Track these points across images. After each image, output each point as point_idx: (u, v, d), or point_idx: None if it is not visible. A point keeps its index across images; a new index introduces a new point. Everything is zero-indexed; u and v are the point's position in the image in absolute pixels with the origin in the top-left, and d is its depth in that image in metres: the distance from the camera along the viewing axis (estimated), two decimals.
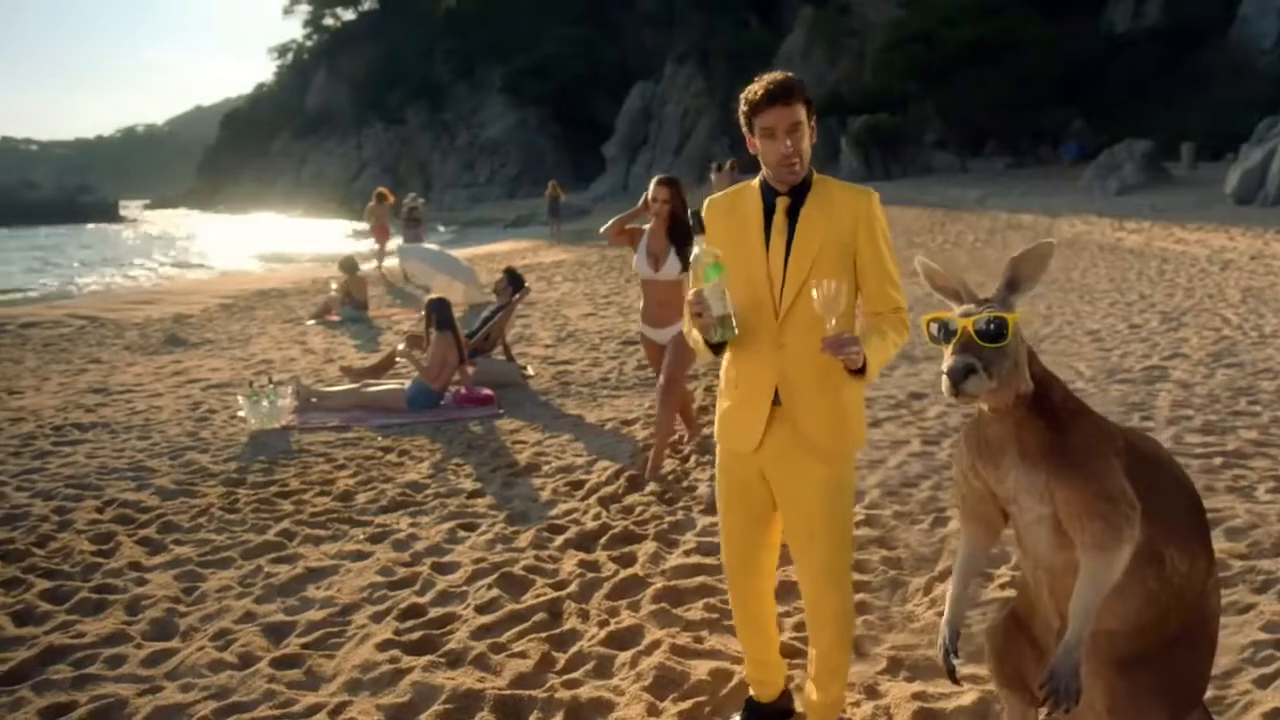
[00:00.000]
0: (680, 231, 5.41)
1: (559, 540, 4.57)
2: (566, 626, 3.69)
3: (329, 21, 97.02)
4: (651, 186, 5.49)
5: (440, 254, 14.02)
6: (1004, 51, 39.28)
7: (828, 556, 2.60)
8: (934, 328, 1.96)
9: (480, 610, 3.87)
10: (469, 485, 5.52)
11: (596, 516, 4.85)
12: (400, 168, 69.86)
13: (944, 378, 1.87)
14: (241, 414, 7.13)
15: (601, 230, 5.78)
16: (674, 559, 4.27)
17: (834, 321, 2.31)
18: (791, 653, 3.33)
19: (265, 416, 6.98)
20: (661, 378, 5.52)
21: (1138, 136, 27.63)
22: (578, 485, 5.38)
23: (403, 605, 3.95)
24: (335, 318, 12.86)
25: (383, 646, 3.59)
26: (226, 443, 6.73)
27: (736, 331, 2.50)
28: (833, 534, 2.59)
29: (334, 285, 13.51)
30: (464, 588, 4.10)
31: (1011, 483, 1.99)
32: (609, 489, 5.29)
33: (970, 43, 39.82)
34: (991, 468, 2.03)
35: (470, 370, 7.83)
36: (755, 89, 2.50)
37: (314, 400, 7.50)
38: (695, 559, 4.25)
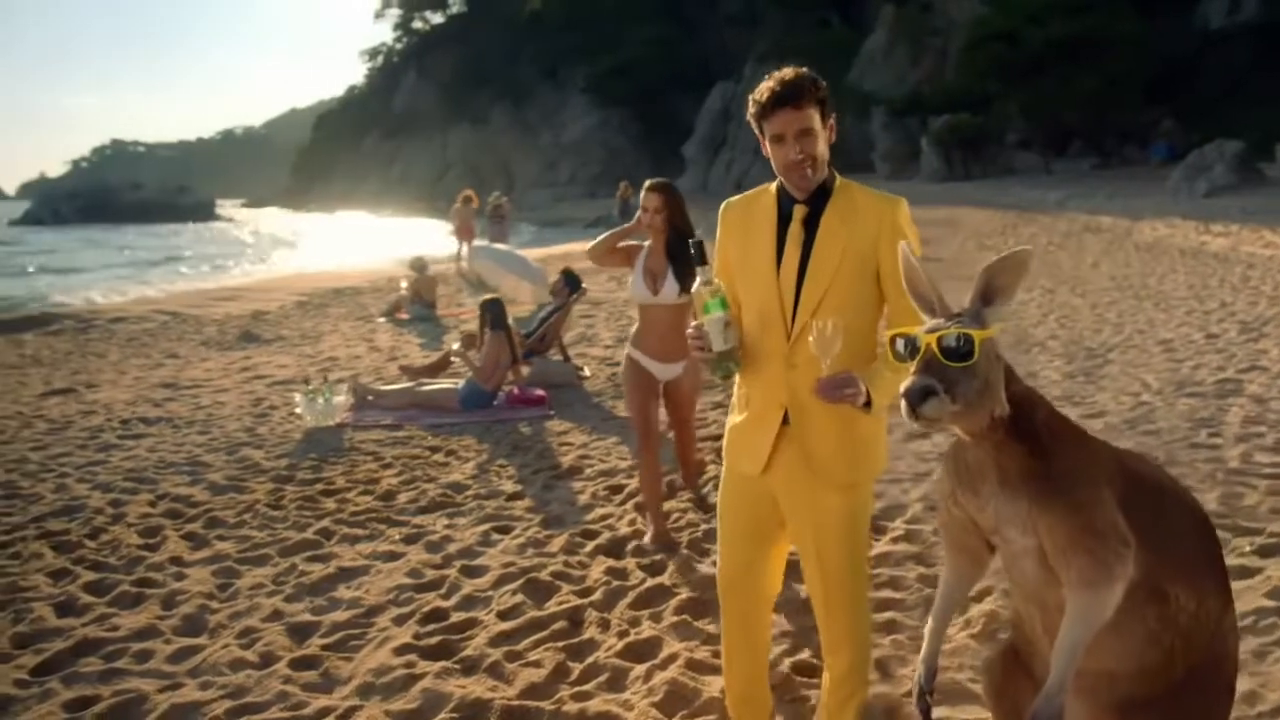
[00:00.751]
0: (680, 246, 4.48)
1: (590, 546, 4.49)
2: (585, 636, 3.62)
3: (418, 25, 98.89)
4: (642, 194, 4.55)
5: (510, 254, 14.08)
6: (1092, 49, 37.97)
7: (839, 585, 2.45)
8: (899, 343, 1.82)
9: (502, 616, 3.82)
10: (510, 487, 5.49)
11: (631, 522, 4.76)
12: (484, 168, 70.80)
13: (901, 399, 1.73)
14: (298, 411, 7.23)
15: (588, 250, 4.73)
16: (704, 568, 4.16)
17: (828, 362, 2.15)
18: (810, 670, 3.21)
19: (320, 414, 7.06)
20: (666, 420, 4.76)
21: (1230, 136, 26.34)
22: (617, 490, 5.30)
23: (426, 609, 3.92)
24: (405, 316, 13.01)
25: (400, 650, 3.56)
26: (281, 439, 6.83)
27: (738, 367, 2.36)
28: (845, 563, 2.43)
29: (404, 284, 13.68)
30: (489, 592, 4.05)
31: (992, 512, 1.84)
32: None
33: (1057, 41, 38.61)
34: (971, 495, 1.88)
35: (525, 371, 7.82)
36: (762, 89, 2.33)
37: (370, 398, 7.57)
38: None
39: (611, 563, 4.29)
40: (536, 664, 3.40)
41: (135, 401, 8.32)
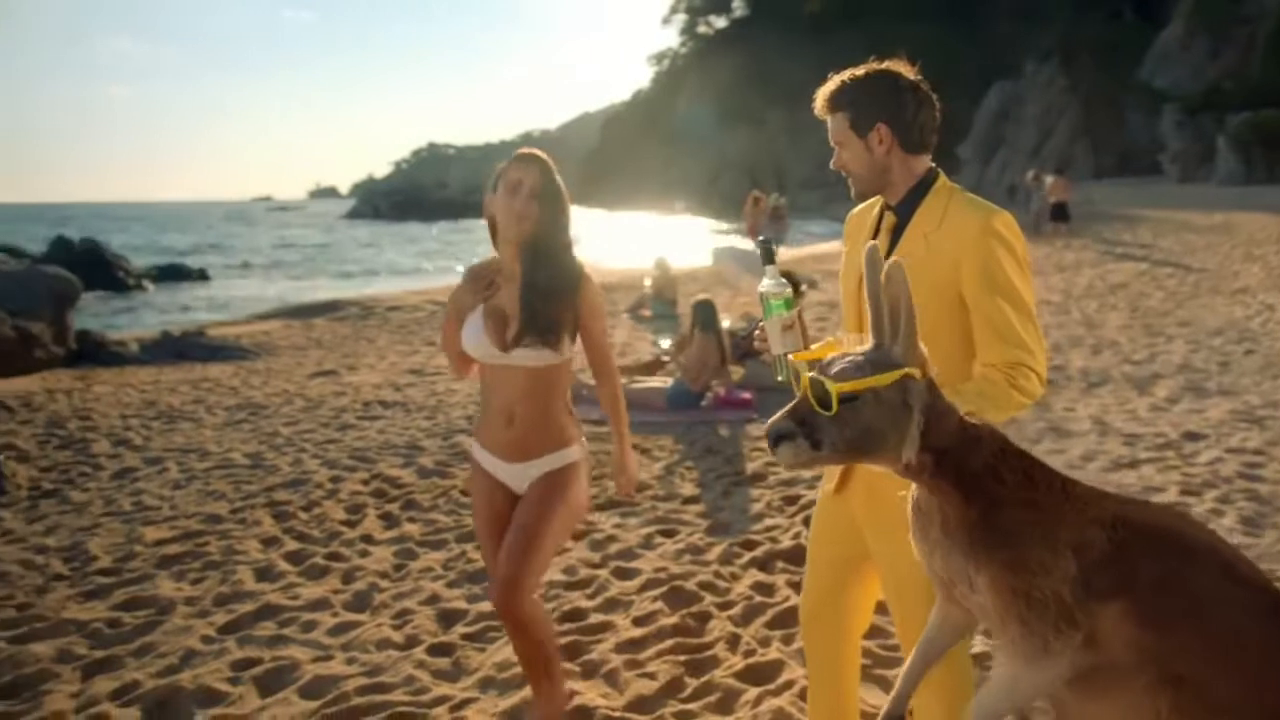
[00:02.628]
0: (547, 271, 2.68)
1: (746, 557, 4.33)
2: (710, 652, 3.48)
3: (702, 29, 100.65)
4: (509, 169, 2.69)
5: (752, 255, 14.00)
6: None
7: (919, 627, 2.19)
8: (801, 366, 1.61)
9: (636, 622, 3.75)
10: (689, 490, 5.41)
11: (795, 535, 4.54)
12: (758, 169, 71.03)
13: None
14: None
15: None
16: None
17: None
18: None
19: None
20: (500, 569, 2.70)
21: None
22: (792, 500, 5.09)
23: (567, 607, 3.92)
24: (647, 314, 13.24)
25: None
26: None
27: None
28: (925, 603, 2.17)
29: (647, 282, 13.93)
30: (632, 596, 4.00)
31: (939, 561, 1.59)
32: None
33: None
34: (921, 539, 1.63)
35: (739, 372, 7.71)
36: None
37: (584, 392, 7.72)
38: None
39: (761, 577, 4.11)
40: (652, 676, 3.31)
41: (381, 385, 8.98)
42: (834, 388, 1.50)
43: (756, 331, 2.24)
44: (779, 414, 1.55)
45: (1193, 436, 5.99)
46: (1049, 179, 21.95)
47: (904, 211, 2.17)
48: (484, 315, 2.72)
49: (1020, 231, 2.09)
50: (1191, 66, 44.09)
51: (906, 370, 1.53)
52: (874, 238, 2.23)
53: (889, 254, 2.15)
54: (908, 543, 2.07)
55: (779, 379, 2.20)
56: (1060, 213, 20.90)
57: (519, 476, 2.80)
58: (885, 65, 2.15)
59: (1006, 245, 2.04)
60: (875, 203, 2.29)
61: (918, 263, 2.08)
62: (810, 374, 1.54)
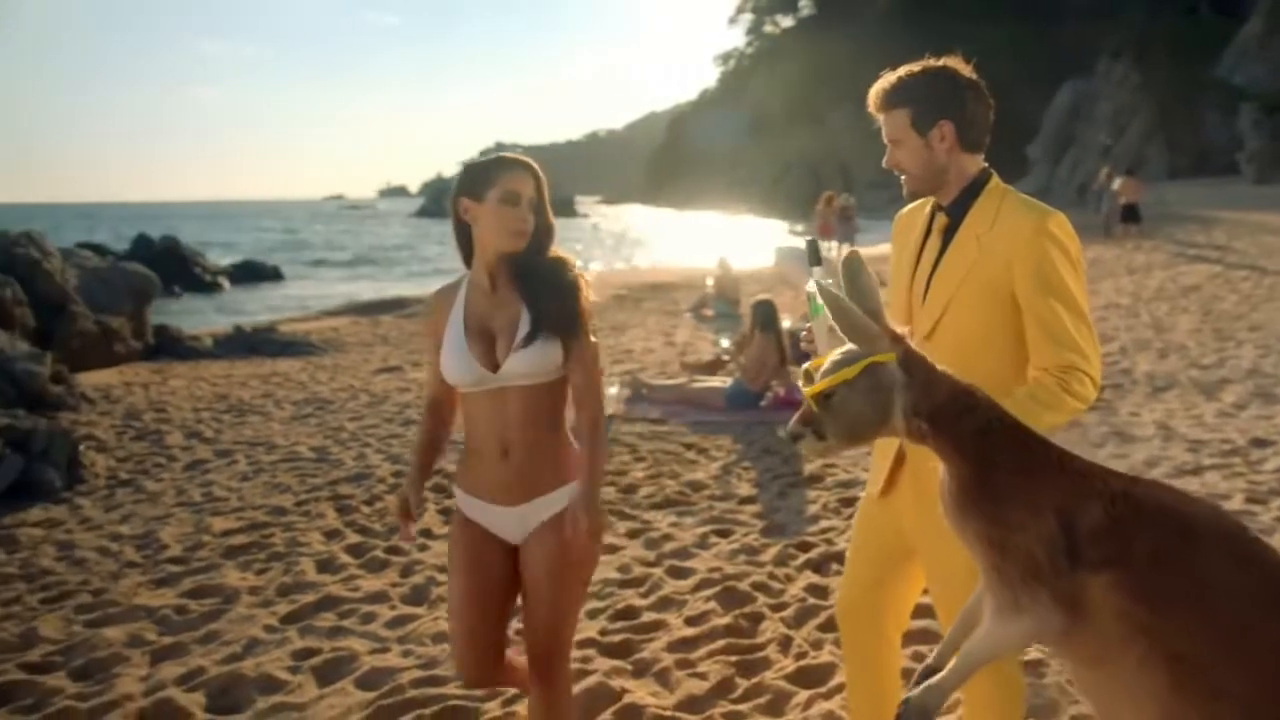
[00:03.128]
0: (545, 264, 2.40)
1: (801, 559, 4.31)
2: (762, 653, 3.46)
3: (768, 28, 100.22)
4: (502, 176, 2.33)
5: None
6: None
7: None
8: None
9: (689, 622, 3.75)
10: (745, 490, 5.40)
11: (850, 538, 4.50)
12: (823, 169, 70.41)
13: None
14: None
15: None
16: None
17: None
18: None
19: None
20: (539, 645, 2.41)
21: None
22: (849, 503, 5.04)
23: (620, 605, 3.94)
24: (709, 313, 13.23)
25: (581, 644, 3.59)
26: None
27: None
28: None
29: (709, 281, 13.91)
30: (686, 596, 4.00)
31: (950, 524, 1.70)
32: None
33: None
34: (941, 507, 1.74)
35: (799, 373, 7.66)
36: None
37: (644, 392, 7.76)
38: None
39: (816, 579, 4.08)
40: (703, 676, 3.31)
41: None
42: (807, 392, 1.70)
43: (804, 332, 2.23)
44: (794, 417, 1.75)
45: (1260, 443, 5.81)
46: (1119, 180, 21.46)
47: (956, 212, 2.14)
48: (465, 335, 2.34)
49: (1074, 233, 2.06)
50: (1271, 64, 42.50)
51: (869, 360, 1.65)
52: (925, 238, 2.21)
53: (940, 255, 2.14)
54: (956, 550, 2.06)
55: None
56: (1131, 214, 20.46)
57: (516, 524, 2.35)
58: (943, 62, 2.13)
59: (1060, 247, 2.02)
60: (925, 203, 2.27)
61: (970, 264, 2.07)
62: (817, 379, 1.70)
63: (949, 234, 2.15)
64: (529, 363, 2.30)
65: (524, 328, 2.31)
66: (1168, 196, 30.13)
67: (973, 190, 2.13)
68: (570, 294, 2.36)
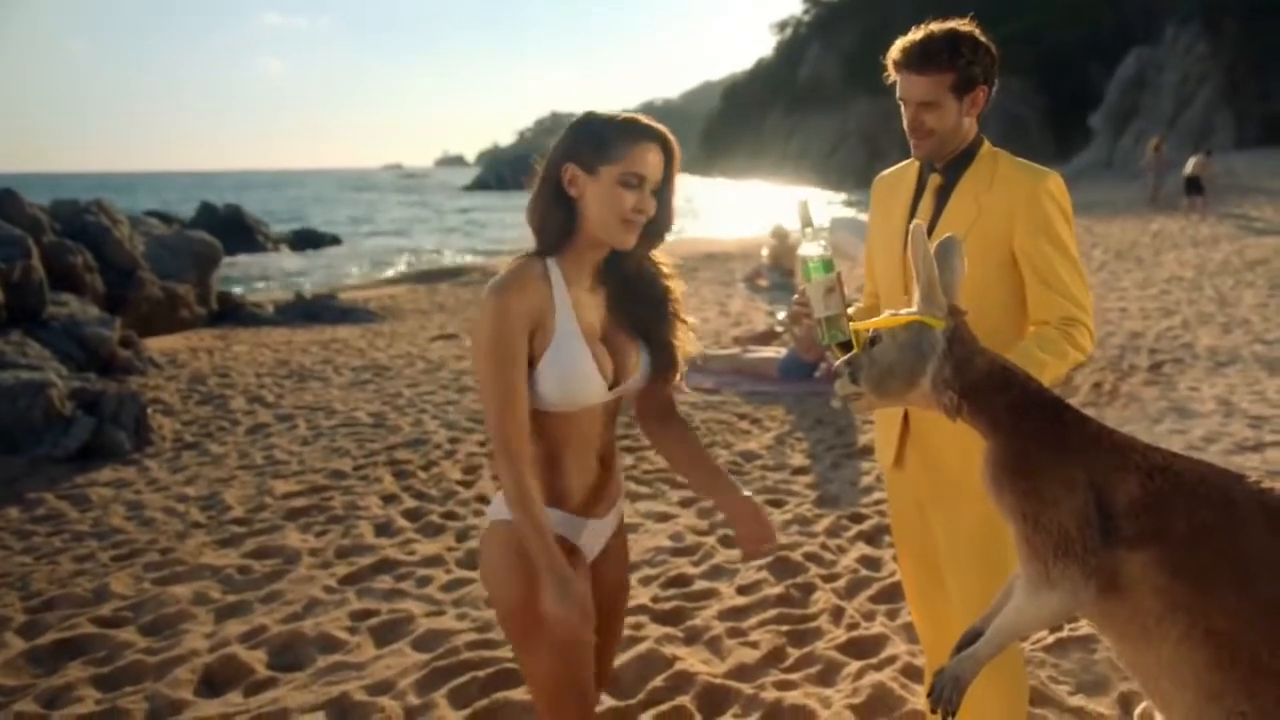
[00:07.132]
0: (644, 292, 1.98)
1: (853, 530, 4.29)
2: (814, 623, 3.47)
3: None
4: (634, 148, 1.84)
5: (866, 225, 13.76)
6: None
7: (970, 617, 2.02)
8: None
9: (741, 591, 3.77)
10: (798, 460, 5.38)
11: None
12: (880, 139, 69.28)
13: None
14: None
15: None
16: None
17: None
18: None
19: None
20: (605, 669, 2.09)
21: None
22: None
23: (673, 573, 3.96)
24: (764, 283, 13.16)
25: (634, 611, 3.62)
26: None
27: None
28: (977, 592, 2.08)
29: (764, 252, 13.81)
30: (737, 565, 4.01)
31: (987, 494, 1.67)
32: None
33: None
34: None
35: None
36: (895, 46, 2.08)
37: (698, 362, 7.73)
38: None
39: (869, 550, 4.07)
40: (754, 644, 3.32)
41: None
42: (853, 326, 1.78)
43: (796, 296, 2.18)
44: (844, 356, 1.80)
45: None
46: (1192, 159, 20.91)
47: (951, 173, 2.14)
48: (587, 345, 1.85)
49: (1068, 192, 2.10)
50: None
51: (918, 316, 1.67)
52: (916, 199, 2.19)
53: (936, 215, 2.13)
54: (965, 516, 2.07)
55: (823, 343, 2.13)
56: (1194, 186, 19.98)
57: (598, 534, 1.99)
58: (970, 25, 2.08)
59: (1058, 205, 2.07)
60: (910, 165, 2.26)
61: (969, 223, 2.09)
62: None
63: (943, 193, 2.14)
64: (640, 374, 1.96)
65: (641, 353, 1.94)
66: (1235, 167, 29.20)
67: (968, 153, 2.14)
68: (671, 323, 1.97)
